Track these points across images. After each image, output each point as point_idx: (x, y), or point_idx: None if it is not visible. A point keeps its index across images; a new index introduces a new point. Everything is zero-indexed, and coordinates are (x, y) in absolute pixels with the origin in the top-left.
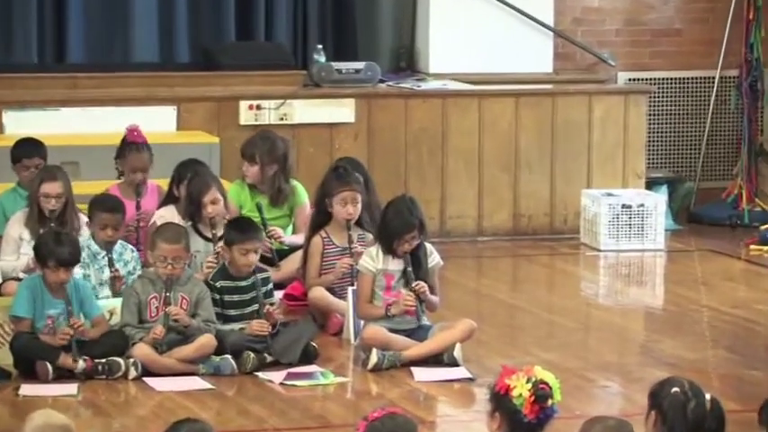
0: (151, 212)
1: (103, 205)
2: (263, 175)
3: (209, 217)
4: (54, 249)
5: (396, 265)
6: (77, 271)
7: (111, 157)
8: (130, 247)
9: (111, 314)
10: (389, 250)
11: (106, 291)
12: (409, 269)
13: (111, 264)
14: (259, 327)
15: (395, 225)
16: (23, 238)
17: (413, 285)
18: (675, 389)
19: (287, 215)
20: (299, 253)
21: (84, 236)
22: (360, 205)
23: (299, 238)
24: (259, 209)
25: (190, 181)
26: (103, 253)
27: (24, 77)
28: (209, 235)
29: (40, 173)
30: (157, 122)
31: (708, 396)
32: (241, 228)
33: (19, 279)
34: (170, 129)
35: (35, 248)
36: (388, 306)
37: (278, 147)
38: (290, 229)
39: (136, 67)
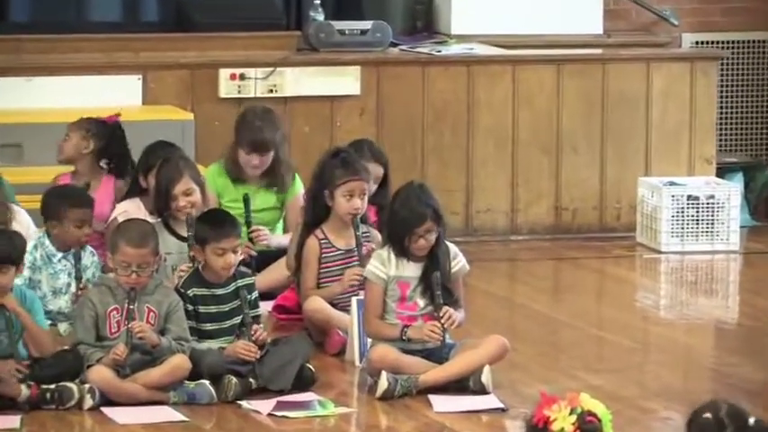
0: (107, 208)
1: (77, 199)
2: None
3: (182, 212)
4: None
5: (412, 271)
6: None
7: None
8: (90, 249)
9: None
10: (402, 250)
11: (61, 301)
12: (438, 293)
13: (78, 267)
14: (245, 349)
15: (403, 217)
16: None
17: (439, 314)
18: (707, 414)
19: (278, 207)
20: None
21: (30, 230)
22: (367, 198)
23: (287, 240)
24: (246, 202)
25: (159, 168)
26: (60, 255)
27: None
28: (185, 234)
29: None
30: (119, 95)
31: (752, 420)
32: (215, 222)
33: None
34: (134, 102)
35: None
36: (404, 327)
37: (280, 122)
38: (279, 225)
39: (92, 28)
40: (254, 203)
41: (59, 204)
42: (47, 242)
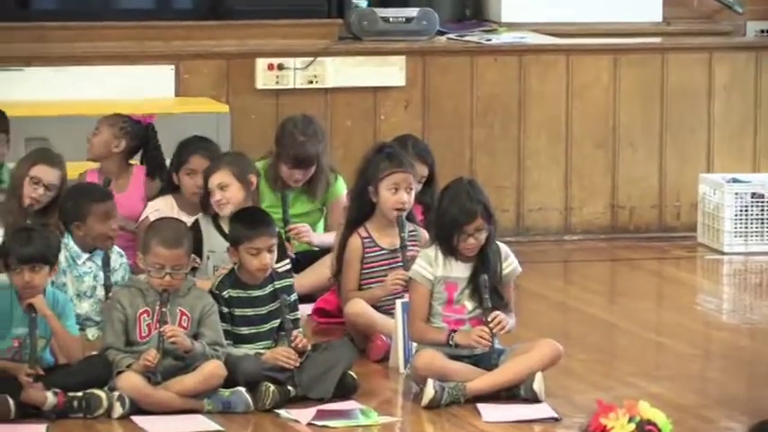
0: (139, 205)
1: (96, 193)
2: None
3: (219, 206)
4: (17, 245)
5: (460, 271)
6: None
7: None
8: (117, 250)
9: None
10: (450, 250)
11: (86, 304)
12: (486, 296)
13: (107, 273)
14: (285, 356)
15: (452, 214)
16: None
17: (488, 319)
18: None
19: (318, 209)
20: (329, 257)
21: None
22: (413, 193)
23: (332, 238)
24: (284, 200)
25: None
26: (85, 257)
27: None
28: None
29: (32, 153)
30: (150, 86)
31: None
32: (248, 221)
33: None
34: (167, 94)
35: (1, 249)
36: (451, 332)
37: (323, 132)
38: (320, 226)
39: (122, 15)
40: (294, 208)
41: (79, 203)
42: (71, 243)
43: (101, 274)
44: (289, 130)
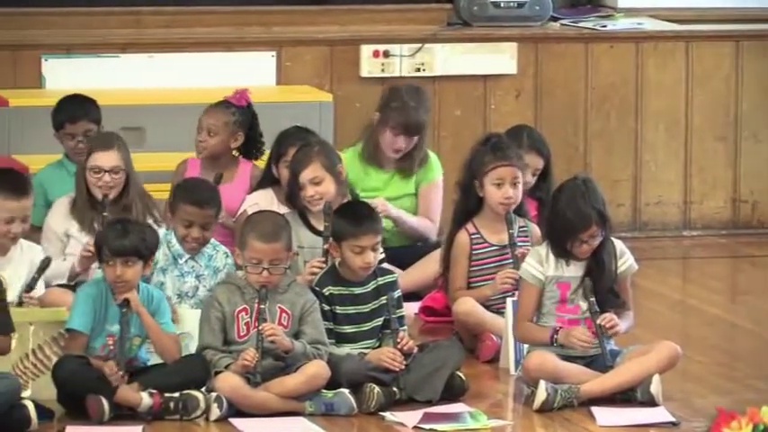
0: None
1: (191, 195)
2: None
3: (311, 202)
4: (111, 237)
5: (573, 271)
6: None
7: (187, 120)
8: (224, 249)
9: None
10: (563, 252)
11: (186, 306)
12: (592, 299)
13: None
14: (390, 358)
15: (566, 220)
16: (70, 234)
17: (598, 321)
18: None
19: (413, 194)
20: (437, 253)
21: (161, 229)
22: (521, 188)
23: (414, 220)
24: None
25: (294, 154)
26: (187, 256)
27: (71, 13)
28: (322, 227)
29: (89, 141)
30: (250, 74)
31: None
32: (353, 217)
33: (67, 286)
34: (268, 82)
35: (96, 240)
36: (554, 332)
37: (430, 104)
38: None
39: None
40: (387, 190)
41: (174, 198)
42: (173, 240)
43: (204, 274)
44: (400, 95)
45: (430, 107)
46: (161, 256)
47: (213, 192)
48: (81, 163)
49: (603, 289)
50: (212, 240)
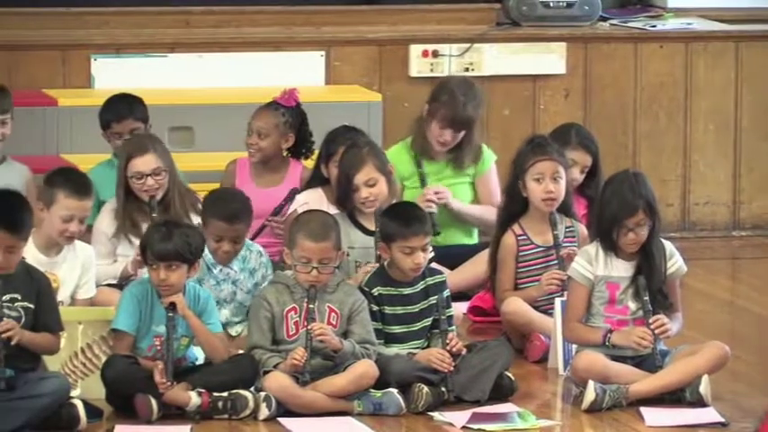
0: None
1: (219, 210)
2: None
3: (365, 204)
4: (155, 240)
5: (622, 271)
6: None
7: (236, 120)
8: (257, 248)
9: None
10: (610, 245)
11: (226, 311)
12: (646, 299)
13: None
14: (439, 359)
15: (612, 207)
16: (119, 237)
17: (650, 322)
18: None
19: (468, 183)
20: (486, 253)
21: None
22: (563, 184)
23: (475, 209)
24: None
25: (342, 155)
26: (220, 266)
27: (120, 13)
28: (372, 227)
29: (125, 147)
30: (299, 73)
31: None
32: (403, 217)
33: (116, 285)
34: (316, 82)
35: (141, 243)
36: (607, 333)
37: (482, 99)
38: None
39: None
40: (440, 181)
41: (204, 211)
42: (206, 251)
43: (240, 278)
44: (450, 89)
45: (482, 102)
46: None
47: (243, 205)
48: (119, 169)
49: (653, 288)
50: (245, 240)
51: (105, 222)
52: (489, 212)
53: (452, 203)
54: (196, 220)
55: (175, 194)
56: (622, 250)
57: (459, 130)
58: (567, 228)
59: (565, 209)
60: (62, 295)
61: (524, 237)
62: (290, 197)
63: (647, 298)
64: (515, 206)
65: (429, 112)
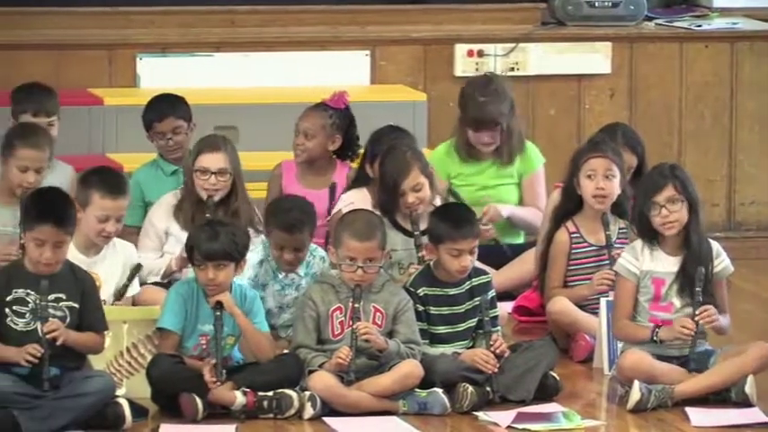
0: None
1: (281, 220)
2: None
3: (411, 208)
4: (202, 240)
5: (668, 266)
6: (245, 276)
7: (281, 119)
8: (320, 253)
9: None
10: (649, 230)
11: (287, 315)
12: (697, 290)
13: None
14: (483, 359)
15: (643, 187)
16: (171, 233)
17: (697, 312)
18: None
19: (515, 183)
20: (532, 252)
21: (258, 243)
22: (616, 183)
23: (527, 212)
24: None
25: (383, 159)
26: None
27: (165, 12)
28: (413, 229)
29: (197, 143)
30: (344, 73)
31: None
32: (453, 220)
33: (161, 284)
34: (361, 81)
35: (187, 243)
36: (655, 328)
37: (506, 90)
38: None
39: None
40: (486, 179)
41: (266, 219)
42: (271, 257)
43: (303, 283)
44: (468, 92)
45: (505, 95)
46: (262, 271)
47: (304, 214)
48: (187, 163)
49: (701, 282)
50: (310, 246)
51: (157, 215)
52: (534, 215)
53: (503, 214)
54: (252, 233)
55: (243, 203)
56: (663, 238)
57: (491, 127)
58: (620, 229)
59: (619, 210)
60: (104, 294)
61: (577, 235)
62: (332, 194)
63: (699, 289)
64: (570, 204)
65: (460, 119)
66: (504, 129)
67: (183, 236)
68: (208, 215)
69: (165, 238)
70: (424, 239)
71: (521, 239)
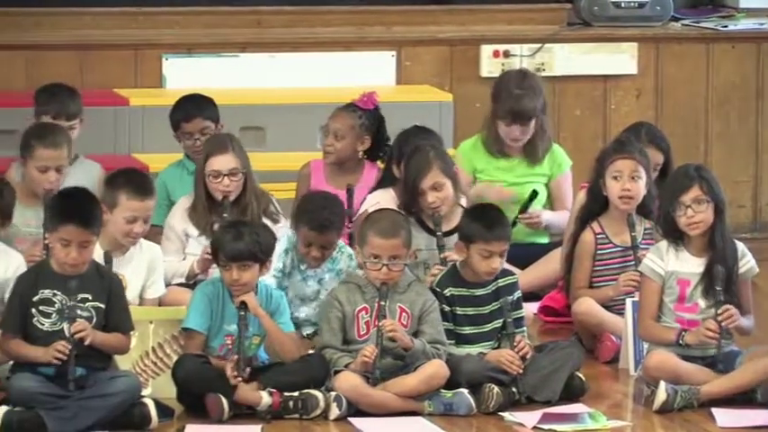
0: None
1: (310, 219)
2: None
3: (431, 208)
4: (226, 241)
5: (693, 266)
6: (273, 268)
7: (307, 119)
8: (348, 251)
9: None
10: (675, 231)
11: (309, 308)
12: (719, 289)
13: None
14: (509, 360)
15: (669, 187)
16: (189, 234)
17: (718, 312)
18: None
19: (543, 183)
20: (557, 252)
21: (283, 234)
22: (642, 184)
23: (561, 217)
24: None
25: (407, 160)
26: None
27: (192, 12)
28: (435, 229)
29: (204, 145)
30: (370, 73)
31: None
32: (487, 220)
33: (186, 285)
34: (387, 82)
35: (212, 244)
36: (681, 332)
37: (541, 87)
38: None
39: None
40: (514, 176)
41: (295, 216)
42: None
43: (326, 277)
44: (504, 84)
45: (540, 91)
46: (288, 261)
47: (333, 213)
48: (198, 166)
49: (721, 282)
50: (338, 244)
51: (176, 218)
52: (563, 217)
53: (542, 223)
54: (269, 223)
55: (252, 197)
56: (688, 239)
57: (525, 123)
58: (645, 230)
59: (645, 211)
60: (129, 295)
61: (603, 235)
62: (349, 197)
63: (719, 288)
64: (596, 204)
65: (492, 112)
66: (536, 125)
67: (200, 238)
68: (225, 215)
69: (186, 240)
70: (447, 240)
71: (546, 239)
